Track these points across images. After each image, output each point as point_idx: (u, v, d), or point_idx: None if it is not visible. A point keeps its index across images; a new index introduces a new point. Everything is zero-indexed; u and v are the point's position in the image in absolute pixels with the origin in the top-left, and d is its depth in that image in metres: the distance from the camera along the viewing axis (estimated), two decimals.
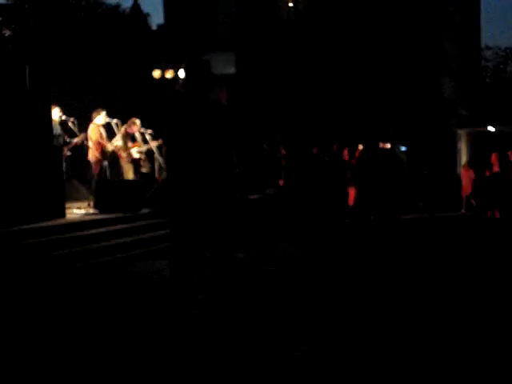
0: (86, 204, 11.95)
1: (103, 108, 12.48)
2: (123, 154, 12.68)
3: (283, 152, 15.27)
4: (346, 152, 14.75)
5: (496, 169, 15.13)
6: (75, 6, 23.92)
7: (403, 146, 28.82)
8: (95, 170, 12.33)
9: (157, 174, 13.10)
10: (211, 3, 27.06)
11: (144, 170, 13.26)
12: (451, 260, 9.26)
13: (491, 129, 32.66)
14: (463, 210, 17.79)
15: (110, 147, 12.47)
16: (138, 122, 12.96)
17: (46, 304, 6.66)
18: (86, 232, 9.84)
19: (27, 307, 6.51)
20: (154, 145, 12.91)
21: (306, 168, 13.93)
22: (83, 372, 4.39)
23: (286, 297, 6.58)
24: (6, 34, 10.26)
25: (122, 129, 12.73)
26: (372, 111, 27.75)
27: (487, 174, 15.71)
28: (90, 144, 12.28)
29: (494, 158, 15.27)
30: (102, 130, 12.42)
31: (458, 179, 17.90)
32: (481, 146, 28.68)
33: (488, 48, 45.91)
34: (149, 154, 13.20)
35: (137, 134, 12.93)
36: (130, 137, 12.86)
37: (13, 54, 10.22)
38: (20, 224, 9.07)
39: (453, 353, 4.61)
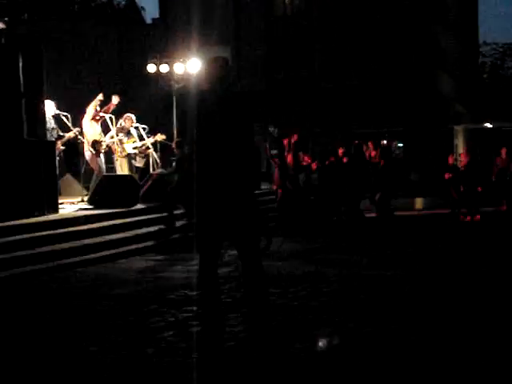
0: (79, 199, 11.81)
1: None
2: (118, 149, 12.57)
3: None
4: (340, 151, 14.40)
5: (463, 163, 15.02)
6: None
7: (400, 142, 28.74)
8: (91, 164, 12.21)
9: (151, 169, 12.99)
10: None
11: (139, 165, 13.16)
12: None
13: (488, 125, 32.63)
14: None
15: (104, 142, 12.35)
16: (132, 117, 12.87)
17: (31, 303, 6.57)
18: (79, 227, 9.73)
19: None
20: (149, 140, 12.81)
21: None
22: None
23: None
24: (0, 27, 10.10)
25: (117, 124, 12.63)
26: (368, 108, 27.67)
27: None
28: (84, 138, 12.15)
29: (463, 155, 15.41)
30: (97, 125, 12.29)
31: None
32: (478, 143, 28.60)
33: (486, 44, 45.81)
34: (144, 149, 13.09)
35: (132, 130, 12.83)
36: (125, 132, 12.74)
37: (6, 47, 10.07)
38: (9, 220, 8.92)
39: None
